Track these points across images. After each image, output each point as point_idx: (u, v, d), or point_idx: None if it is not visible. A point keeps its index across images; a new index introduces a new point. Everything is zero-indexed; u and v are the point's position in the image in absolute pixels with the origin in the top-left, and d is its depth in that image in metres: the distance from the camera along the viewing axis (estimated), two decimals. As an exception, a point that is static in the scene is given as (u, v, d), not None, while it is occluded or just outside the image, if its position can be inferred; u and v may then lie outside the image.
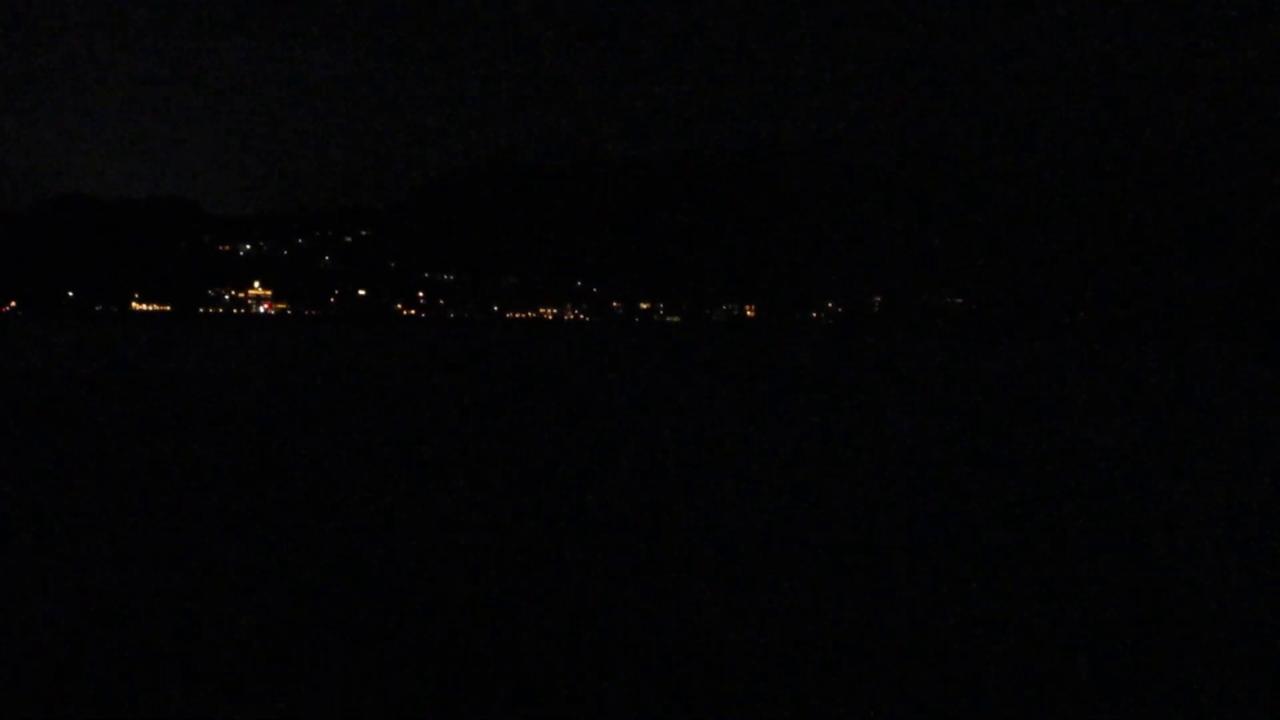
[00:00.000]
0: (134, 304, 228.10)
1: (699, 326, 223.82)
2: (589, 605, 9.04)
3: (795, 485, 15.39)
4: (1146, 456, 19.47)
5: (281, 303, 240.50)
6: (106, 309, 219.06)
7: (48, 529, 11.64)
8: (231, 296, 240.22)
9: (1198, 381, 47.05)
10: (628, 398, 31.60)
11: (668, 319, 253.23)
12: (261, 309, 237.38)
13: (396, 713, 6.79)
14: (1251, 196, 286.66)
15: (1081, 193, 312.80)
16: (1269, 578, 10.40)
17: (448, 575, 9.94)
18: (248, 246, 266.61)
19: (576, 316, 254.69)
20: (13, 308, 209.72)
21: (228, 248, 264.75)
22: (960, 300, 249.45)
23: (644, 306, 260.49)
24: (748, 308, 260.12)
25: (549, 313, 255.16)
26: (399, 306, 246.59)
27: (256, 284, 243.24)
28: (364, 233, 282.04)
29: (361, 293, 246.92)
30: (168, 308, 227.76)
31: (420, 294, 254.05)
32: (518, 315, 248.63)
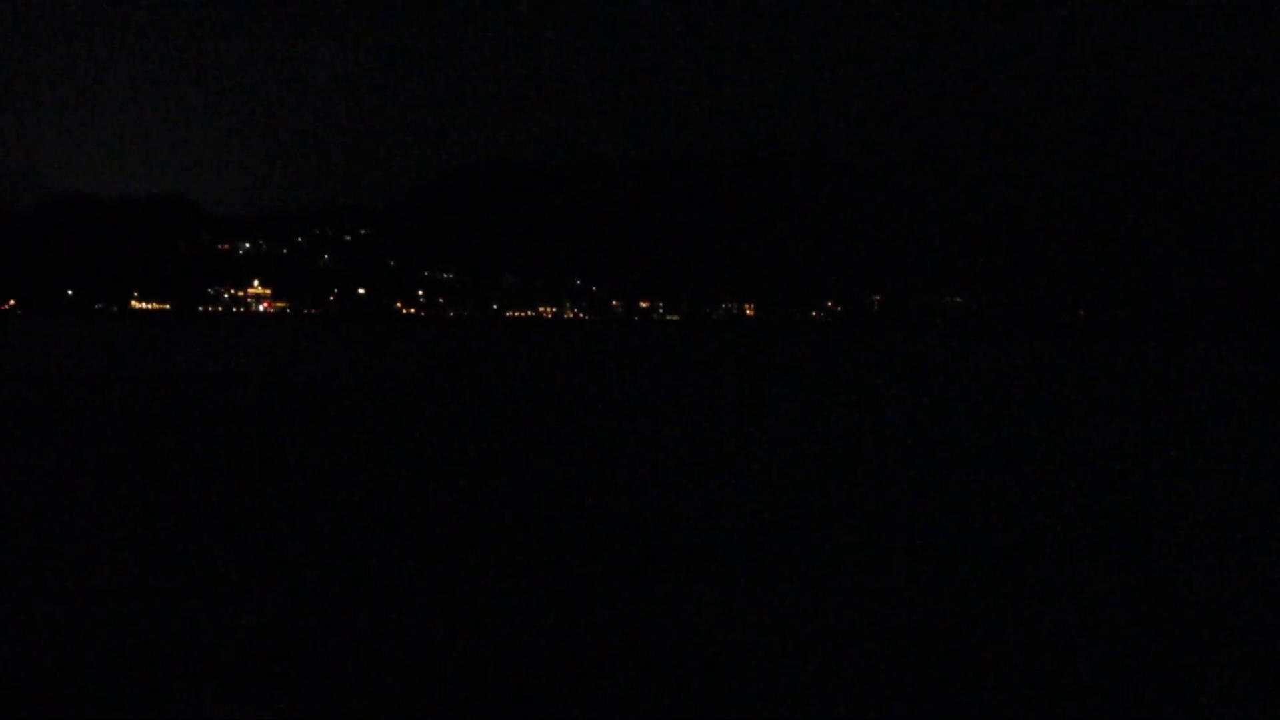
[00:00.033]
0: (133, 302, 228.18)
1: (699, 325, 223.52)
2: (589, 605, 9.04)
3: (795, 484, 15.38)
4: (1146, 455, 19.47)
5: (281, 301, 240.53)
6: (106, 307, 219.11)
7: (48, 529, 11.63)
8: (231, 295, 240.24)
9: (1198, 380, 47.04)
10: (628, 397, 31.60)
11: (667, 318, 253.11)
12: (261, 307, 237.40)
13: (396, 713, 6.79)
14: (1251, 196, 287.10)
15: (1081, 192, 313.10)
16: (1269, 578, 10.40)
17: (448, 575, 9.94)
18: (247, 245, 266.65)
19: (576, 315, 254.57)
20: (12, 306, 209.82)
21: (227, 246, 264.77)
22: (960, 300, 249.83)
23: (643, 305, 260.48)
24: (747, 306, 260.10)
25: (548, 311, 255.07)
26: (398, 305, 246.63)
27: (256, 282, 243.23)
28: (363, 231, 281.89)
29: (361, 291, 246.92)
30: (167, 306, 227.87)
31: (419, 293, 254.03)
32: (517, 314, 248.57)
